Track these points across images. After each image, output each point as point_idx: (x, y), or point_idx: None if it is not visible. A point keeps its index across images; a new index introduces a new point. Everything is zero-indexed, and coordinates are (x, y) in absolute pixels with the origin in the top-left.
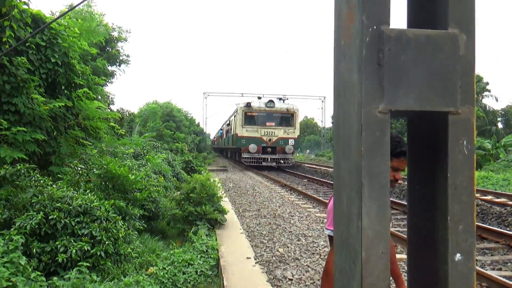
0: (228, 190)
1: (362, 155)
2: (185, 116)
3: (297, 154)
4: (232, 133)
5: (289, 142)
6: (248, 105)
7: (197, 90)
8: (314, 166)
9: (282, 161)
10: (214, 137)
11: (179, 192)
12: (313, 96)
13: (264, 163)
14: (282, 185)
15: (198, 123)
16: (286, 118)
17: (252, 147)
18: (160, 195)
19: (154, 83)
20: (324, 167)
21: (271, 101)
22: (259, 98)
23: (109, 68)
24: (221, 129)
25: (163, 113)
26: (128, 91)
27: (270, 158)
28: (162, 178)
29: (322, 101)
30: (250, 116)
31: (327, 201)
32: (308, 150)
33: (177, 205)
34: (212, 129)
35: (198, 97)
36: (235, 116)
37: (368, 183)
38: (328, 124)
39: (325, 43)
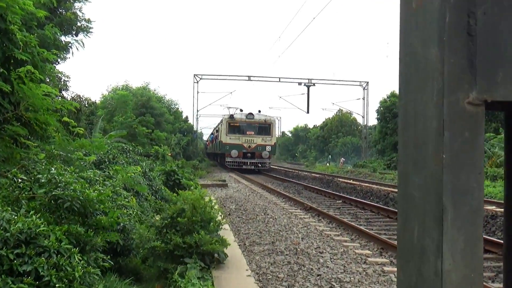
0: (229, 214)
1: (444, 166)
2: (168, 107)
3: (328, 164)
4: (218, 139)
5: (266, 148)
6: (231, 116)
7: (185, 72)
8: (352, 181)
9: (260, 165)
10: (207, 140)
11: (159, 217)
12: (350, 81)
13: (244, 167)
14: (306, 208)
15: (186, 117)
16: (264, 128)
17: (234, 152)
18: (133, 221)
19: (128, 64)
20: (366, 183)
21: (250, 113)
22: (241, 110)
23: (62, 38)
24: (212, 134)
25: (137, 103)
26: (88, 73)
27: (249, 162)
28: (134, 199)
29: (364, 88)
30: (233, 126)
31: (372, 232)
32: (342, 159)
33: (157, 234)
34: (206, 125)
35: (186, 82)
36: (221, 125)
37: (452, 206)
38: (372, 120)
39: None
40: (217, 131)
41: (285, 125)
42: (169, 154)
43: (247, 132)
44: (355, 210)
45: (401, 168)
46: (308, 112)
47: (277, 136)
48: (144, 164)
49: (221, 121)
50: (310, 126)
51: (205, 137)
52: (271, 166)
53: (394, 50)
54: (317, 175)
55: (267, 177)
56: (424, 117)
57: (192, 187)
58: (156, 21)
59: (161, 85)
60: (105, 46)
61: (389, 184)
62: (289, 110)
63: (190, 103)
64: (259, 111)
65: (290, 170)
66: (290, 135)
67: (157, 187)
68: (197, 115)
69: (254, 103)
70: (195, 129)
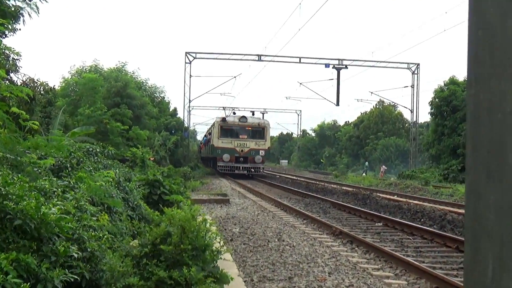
0: (232, 240)
1: None
2: (151, 96)
3: (364, 175)
4: (210, 143)
5: (260, 153)
6: (224, 119)
7: (175, 50)
8: (396, 197)
9: (253, 170)
10: (201, 142)
11: (137, 242)
12: (394, 62)
13: (236, 171)
14: (334, 233)
15: (175, 110)
16: (258, 132)
17: (226, 156)
18: (104, 246)
19: (99, 38)
20: (415, 199)
21: (244, 116)
22: (234, 113)
23: (11, 2)
24: (205, 136)
25: (110, 91)
26: (45, 50)
27: (242, 167)
28: (106, 216)
29: (414, 73)
30: (225, 129)
31: (424, 265)
32: (384, 167)
33: (134, 266)
34: (201, 121)
35: (176, 63)
36: (213, 128)
37: None
38: (424, 115)
39: None
40: (209, 133)
41: (307, 121)
42: (151, 159)
43: (240, 136)
44: (400, 235)
45: (469, 180)
46: (338, 104)
47: (270, 137)
48: (118, 171)
49: (213, 124)
50: (341, 122)
51: (199, 136)
52: (281, 175)
53: (456, 21)
54: (350, 189)
55: (282, 190)
56: (503, 111)
57: (181, 203)
58: None
59: (142, 66)
60: (68, 15)
61: (446, 202)
62: (313, 101)
63: (180, 91)
64: (253, 114)
65: (313, 181)
66: (313, 134)
67: (135, 202)
68: (189, 106)
69: (265, 92)
70: (186, 125)
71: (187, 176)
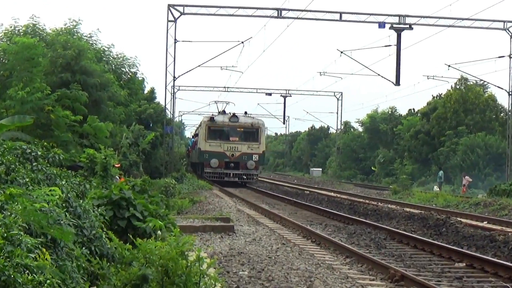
0: None
1: None
2: (117, 71)
3: (438, 189)
4: (197, 146)
5: (253, 157)
6: (211, 119)
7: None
8: (486, 223)
9: (245, 177)
10: (189, 146)
11: None
12: (479, 20)
13: (226, 179)
14: (392, 278)
15: (152, 92)
16: (251, 133)
17: (213, 161)
18: None
19: None
20: None
21: (234, 116)
22: (224, 112)
23: None
24: (193, 137)
25: (55, 62)
26: None
27: (233, 174)
28: (48, 255)
29: None
30: (213, 131)
31: None
32: (467, 177)
33: None
34: (192, 108)
35: (154, 22)
36: (200, 129)
37: None
38: None
39: None
40: (196, 135)
41: (351, 109)
42: (117, 165)
43: (231, 138)
44: (493, 283)
45: None
46: (398, 83)
47: (264, 140)
48: (66, 183)
49: (200, 124)
50: (402, 111)
51: (188, 132)
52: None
53: None
54: (416, 211)
55: (314, 213)
56: None
57: (163, 232)
58: None
59: (103, 27)
60: None
61: None
62: (359, 79)
63: (160, 65)
64: (245, 113)
65: (361, 199)
66: (360, 129)
67: (93, 231)
68: (173, 88)
69: (287, 65)
70: (169, 115)
71: (171, 192)
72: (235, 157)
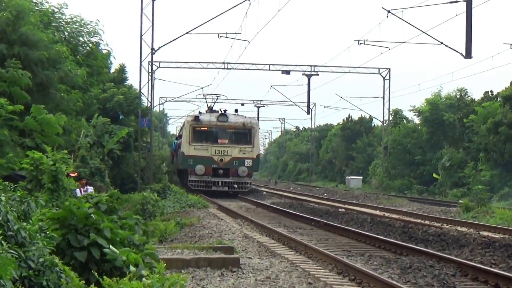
0: None
1: None
2: (71, 40)
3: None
4: (180, 150)
5: (245, 163)
6: (196, 118)
7: None
8: None
9: (236, 186)
10: (173, 149)
11: None
12: None
13: (214, 188)
14: None
15: (122, 70)
16: (242, 134)
17: (199, 168)
18: None
19: None
20: None
21: (223, 114)
22: (211, 109)
23: None
24: (176, 139)
25: None
26: None
27: (222, 182)
28: None
29: None
30: (199, 132)
31: None
32: None
33: None
34: (178, 93)
35: None
36: (183, 130)
37: None
38: None
39: None
40: (180, 136)
41: (402, 95)
42: (73, 174)
43: (219, 141)
44: None
45: None
46: (469, 54)
47: (258, 142)
48: (4, 200)
49: (183, 125)
50: (476, 94)
51: (173, 128)
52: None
53: None
54: (497, 236)
55: (353, 240)
56: None
57: (140, 269)
58: None
59: None
60: None
61: None
62: (412, 49)
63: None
64: (236, 111)
65: (419, 220)
66: (416, 120)
67: (42, 259)
68: (151, 62)
69: (310, 31)
70: (146, 102)
71: (149, 212)
72: (224, 163)
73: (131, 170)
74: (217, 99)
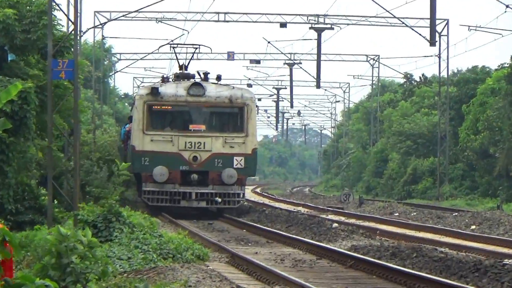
0: None
1: None
2: None
3: None
4: (130, 142)
5: (234, 162)
6: (154, 91)
7: None
8: None
9: (219, 200)
10: (122, 139)
11: None
12: None
13: (184, 203)
14: None
15: None
16: (230, 116)
17: (159, 172)
18: None
19: None
20: None
21: (197, 84)
22: (177, 77)
23: None
24: (129, 120)
25: None
26: None
27: (196, 194)
28: None
29: None
30: (158, 113)
31: None
32: None
33: None
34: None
35: None
36: (134, 110)
37: None
38: None
39: None
40: (131, 119)
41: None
42: None
43: (192, 127)
44: None
45: None
46: None
47: (255, 128)
48: None
49: (134, 101)
50: None
51: (129, 87)
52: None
53: None
54: None
55: None
56: None
57: None
58: None
59: None
60: None
61: None
62: None
63: None
64: (218, 78)
65: None
66: None
67: None
68: None
69: None
70: (66, 23)
71: (74, 272)
72: (199, 163)
73: (32, 177)
74: (194, 52)
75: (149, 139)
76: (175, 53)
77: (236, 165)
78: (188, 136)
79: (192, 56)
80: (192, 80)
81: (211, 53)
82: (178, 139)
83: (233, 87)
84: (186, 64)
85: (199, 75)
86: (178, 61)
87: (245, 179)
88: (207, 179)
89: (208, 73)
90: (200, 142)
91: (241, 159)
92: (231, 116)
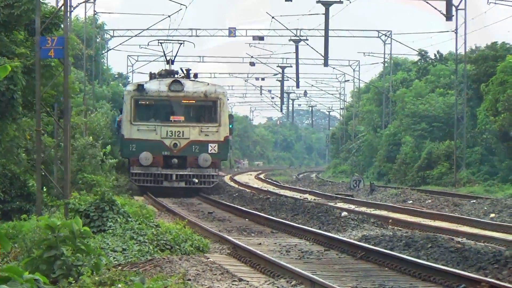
0: None
1: None
2: None
3: None
4: (120, 132)
5: (209, 148)
6: (139, 87)
7: None
8: None
9: (196, 180)
10: (115, 128)
11: None
12: None
13: (166, 183)
14: None
15: None
16: (204, 108)
17: (144, 156)
18: None
19: None
20: None
21: (177, 80)
22: (160, 74)
23: None
24: (121, 111)
25: None
26: None
27: (176, 175)
28: None
29: None
30: (143, 106)
31: None
32: None
33: None
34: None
35: None
36: (124, 104)
37: None
38: None
39: None
40: (122, 111)
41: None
42: None
43: (172, 118)
44: None
45: None
46: None
47: (227, 119)
48: None
49: (123, 97)
50: None
51: (122, 63)
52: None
53: None
54: None
55: None
56: None
57: None
58: None
59: None
60: None
61: None
62: None
63: None
64: (195, 76)
65: None
66: None
67: None
68: None
69: None
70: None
71: (65, 265)
72: (179, 149)
73: (19, 164)
74: (180, 45)
75: (136, 128)
76: (162, 49)
77: (210, 151)
78: (169, 126)
79: (177, 52)
80: (173, 78)
81: (211, 29)
82: (160, 128)
83: (208, 84)
84: (173, 59)
85: (182, 71)
86: (165, 57)
87: (219, 163)
88: (186, 163)
89: (190, 69)
90: (180, 131)
91: (215, 146)
92: (206, 108)
